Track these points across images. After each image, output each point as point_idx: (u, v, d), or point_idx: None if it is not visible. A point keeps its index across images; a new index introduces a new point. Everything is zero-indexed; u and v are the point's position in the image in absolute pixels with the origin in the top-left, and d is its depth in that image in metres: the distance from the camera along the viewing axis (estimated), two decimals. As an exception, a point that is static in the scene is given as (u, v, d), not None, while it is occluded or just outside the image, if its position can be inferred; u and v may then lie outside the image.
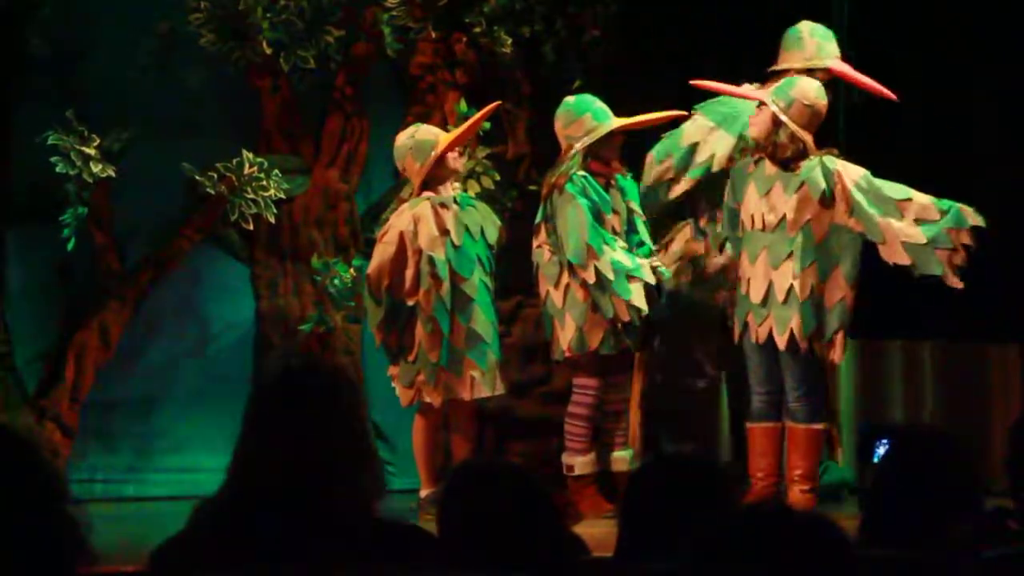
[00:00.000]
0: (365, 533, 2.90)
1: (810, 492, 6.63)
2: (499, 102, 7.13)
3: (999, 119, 7.68)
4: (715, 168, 6.65)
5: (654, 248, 6.89)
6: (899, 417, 7.70)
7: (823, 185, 6.44)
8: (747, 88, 6.82)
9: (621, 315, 6.68)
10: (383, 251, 6.79)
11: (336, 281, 7.54)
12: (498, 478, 3.01)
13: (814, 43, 6.82)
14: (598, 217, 6.70)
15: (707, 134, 6.67)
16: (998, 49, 7.53)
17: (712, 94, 6.87)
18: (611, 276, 6.64)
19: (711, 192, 6.72)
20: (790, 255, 6.50)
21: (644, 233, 6.88)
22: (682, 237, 6.94)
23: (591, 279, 6.64)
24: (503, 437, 7.79)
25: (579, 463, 6.89)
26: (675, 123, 6.99)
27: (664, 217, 6.76)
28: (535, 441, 7.63)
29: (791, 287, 6.49)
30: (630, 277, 6.67)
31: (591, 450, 6.91)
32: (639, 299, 6.67)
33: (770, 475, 6.65)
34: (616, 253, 6.69)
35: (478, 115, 6.96)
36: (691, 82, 6.84)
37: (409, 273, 6.75)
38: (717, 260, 6.94)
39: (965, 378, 7.78)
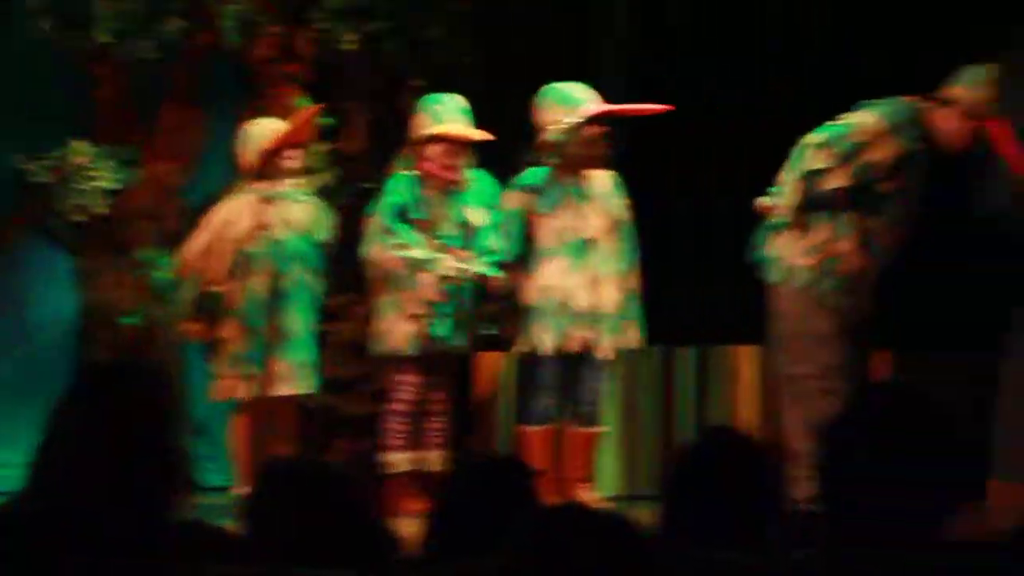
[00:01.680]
0: (165, 535, 2.84)
1: (592, 492, 6.91)
2: (321, 105, 7.12)
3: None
4: (875, 176, 6.60)
5: (505, 260, 6.92)
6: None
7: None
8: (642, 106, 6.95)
9: (413, 309, 6.77)
10: (196, 236, 6.77)
11: (159, 275, 7.46)
12: (306, 476, 2.97)
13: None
14: (401, 216, 6.78)
15: (878, 136, 6.61)
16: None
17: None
18: (404, 272, 6.78)
19: (864, 196, 6.66)
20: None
21: (494, 241, 6.93)
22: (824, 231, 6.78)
23: (378, 275, 6.81)
24: (328, 435, 7.76)
25: (395, 461, 6.92)
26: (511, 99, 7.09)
27: (813, 209, 6.67)
28: (360, 439, 7.61)
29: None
30: (422, 271, 6.76)
31: (408, 448, 6.93)
32: (431, 292, 6.74)
33: (557, 476, 6.86)
34: (411, 249, 6.77)
35: (302, 117, 6.97)
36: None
37: (220, 263, 6.71)
38: None
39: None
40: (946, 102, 6.66)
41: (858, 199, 6.59)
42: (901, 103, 6.65)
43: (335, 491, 2.96)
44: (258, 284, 6.74)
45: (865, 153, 6.53)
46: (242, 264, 6.72)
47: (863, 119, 6.56)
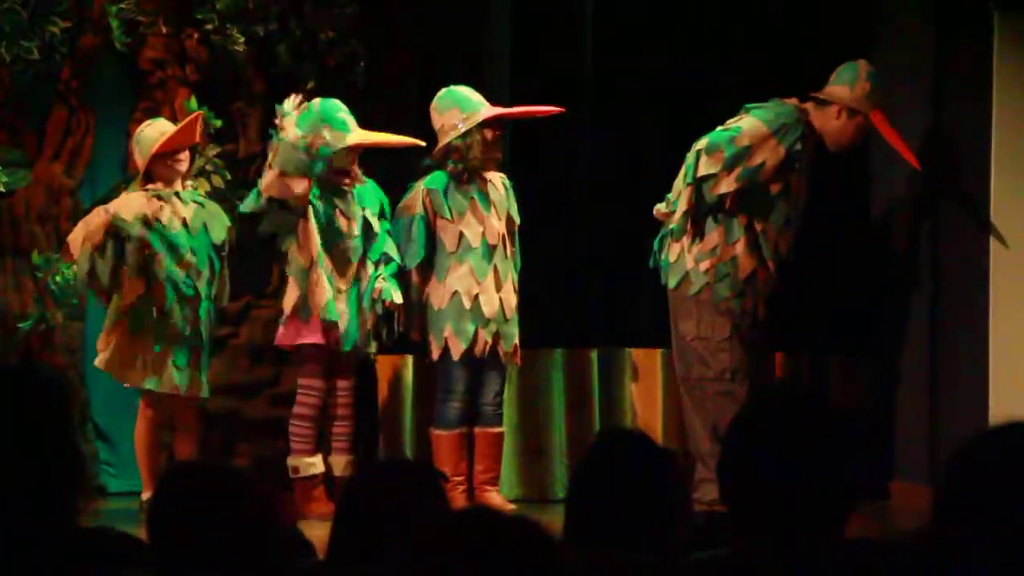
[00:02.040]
0: (69, 542, 2.81)
1: (500, 494, 7.00)
2: (201, 112, 7.08)
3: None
4: (762, 179, 6.62)
5: (405, 267, 6.93)
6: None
7: None
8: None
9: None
10: (84, 223, 6.81)
11: (58, 278, 7.39)
12: (210, 479, 2.95)
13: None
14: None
15: (762, 142, 6.62)
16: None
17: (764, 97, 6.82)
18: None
19: (752, 199, 6.66)
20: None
21: (388, 246, 6.93)
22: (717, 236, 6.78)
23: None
24: (230, 439, 7.71)
25: (303, 464, 6.90)
26: (407, 104, 7.09)
27: (705, 215, 6.68)
28: (263, 443, 7.57)
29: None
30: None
31: (316, 452, 6.92)
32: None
33: (465, 479, 6.95)
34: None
35: (189, 120, 6.93)
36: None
37: (104, 260, 6.68)
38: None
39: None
40: (824, 102, 6.76)
41: (746, 203, 6.66)
42: (782, 106, 6.73)
43: (238, 494, 2.94)
44: (161, 278, 6.70)
45: (750, 157, 6.61)
46: (139, 258, 6.69)
47: (746, 124, 6.64)
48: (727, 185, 6.63)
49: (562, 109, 7.07)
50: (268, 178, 6.80)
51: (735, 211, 6.67)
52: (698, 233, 6.70)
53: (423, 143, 7.00)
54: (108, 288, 6.78)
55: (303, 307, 6.84)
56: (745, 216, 6.68)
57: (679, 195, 6.70)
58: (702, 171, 6.62)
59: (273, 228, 6.88)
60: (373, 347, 7.08)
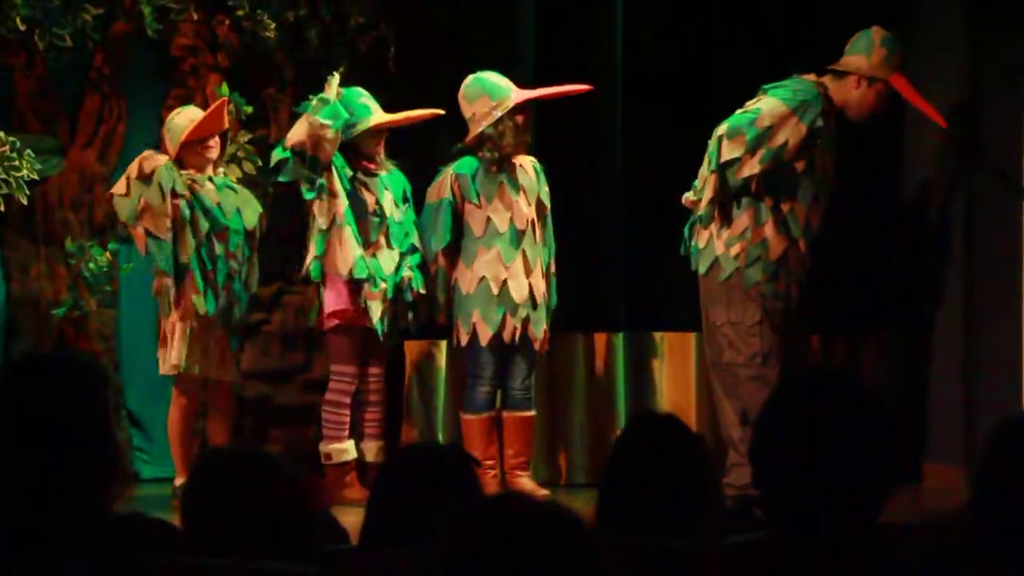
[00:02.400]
0: (103, 528, 2.82)
1: (531, 478, 6.99)
2: (227, 97, 7.10)
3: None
4: (787, 157, 6.59)
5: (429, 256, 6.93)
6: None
7: None
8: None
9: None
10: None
11: (91, 265, 7.41)
12: (243, 465, 2.95)
13: None
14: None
15: (782, 121, 6.60)
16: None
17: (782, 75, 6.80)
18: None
19: (778, 179, 6.64)
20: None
21: (415, 237, 6.96)
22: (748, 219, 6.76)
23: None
24: (262, 425, 7.73)
25: (335, 450, 6.91)
26: (436, 89, 7.08)
27: (732, 200, 6.66)
28: (295, 429, 7.59)
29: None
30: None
31: (348, 438, 6.92)
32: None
33: (496, 463, 6.95)
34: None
35: (217, 106, 6.93)
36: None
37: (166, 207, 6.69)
38: None
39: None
40: (842, 74, 6.73)
41: (773, 183, 6.64)
42: (800, 83, 6.70)
43: (271, 480, 2.94)
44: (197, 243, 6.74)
45: (772, 138, 6.58)
46: (181, 230, 6.72)
47: (766, 105, 6.62)
48: (751, 168, 6.60)
49: (591, 87, 7.06)
50: (294, 129, 6.80)
51: (761, 194, 6.65)
52: (726, 219, 6.67)
53: (442, 111, 6.99)
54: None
55: (330, 266, 6.84)
56: (772, 198, 6.65)
57: (705, 182, 6.68)
58: (725, 156, 6.60)
59: (292, 177, 6.84)
60: (401, 333, 7.08)
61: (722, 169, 6.61)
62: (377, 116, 6.89)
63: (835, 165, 6.77)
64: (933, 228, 7.43)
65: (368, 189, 6.90)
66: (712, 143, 6.65)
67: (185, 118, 6.91)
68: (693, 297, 6.88)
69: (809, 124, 6.60)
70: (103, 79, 7.65)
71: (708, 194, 6.65)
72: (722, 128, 6.63)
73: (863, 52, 6.72)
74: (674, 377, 7.52)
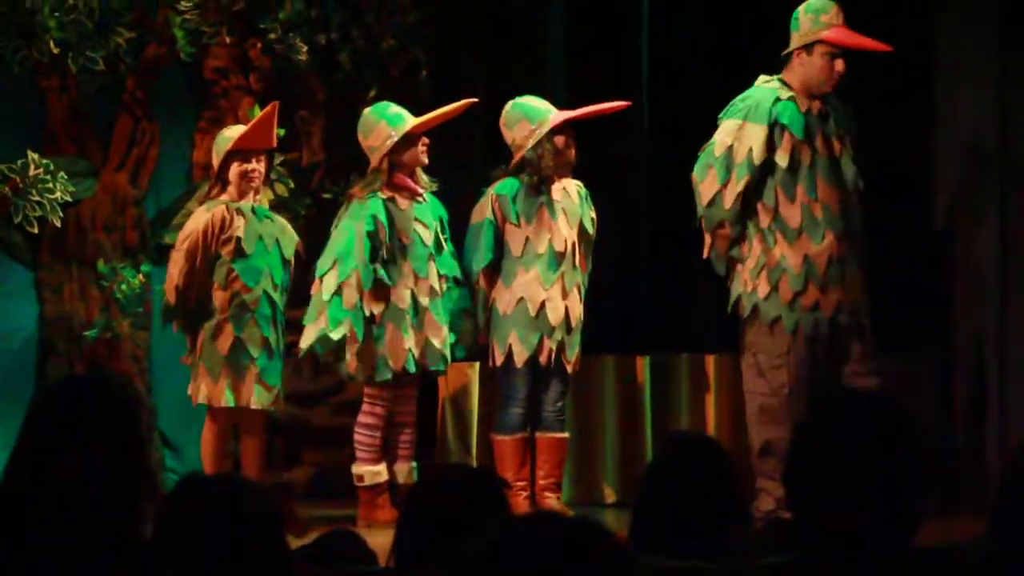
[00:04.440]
0: (136, 548, 2.81)
1: (561, 500, 7.02)
2: (277, 103, 7.04)
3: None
4: (756, 161, 6.59)
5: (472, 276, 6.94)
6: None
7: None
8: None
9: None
10: (178, 260, 6.68)
11: (123, 287, 7.43)
12: (218, 492, 2.84)
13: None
14: (375, 241, 6.78)
15: (737, 133, 6.61)
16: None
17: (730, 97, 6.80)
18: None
19: (768, 184, 6.64)
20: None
21: (454, 268, 6.98)
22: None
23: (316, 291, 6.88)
24: (295, 447, 7.73)
25: (368, 472, 6.90)
26: (471, 112, 7.06)
27: (738, 226, 6.66)
28: (327, 450, 7.59)
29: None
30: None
31: (380, 460, 6.92)
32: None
33: (528, 484, 6.95)
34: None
35: (261, 114, 6.89)
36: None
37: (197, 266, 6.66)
38: None
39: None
40: (786, 58, 6.71)
41: (763, 192, 6.60)
42: (754, 89, 6.67)
43: (247, 507, 2.83)
44: (239, 293, 6.68)
45: (737, 153, 6.56)
46: (224, 273, 6.66)
47: (719, 132, 6.62)
48: (734, 190, 6.58)
49: (628, 103, 7.06)
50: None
51: (755, 207, 6.59)
52: (742, 253, 6.65)
53: (475, 99, 7.00)
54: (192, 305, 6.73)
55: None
56: (770, 206, 6.59)
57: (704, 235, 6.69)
58: (706, 198, 6.59)
59: None
60: (442, 366, 7.05)
61: (709, 210, 6.60)
62: (412, 121, 6.87)
63: (830, 152, 6.67)
64: (965, 245, 7.39)
65: (403, 225, 6.87)
66: (694, 190, 6.63)
67: (233, 131, 6.83)
68: (720, 319, 6.86)
69: (765, 122, 6.57)
70: (136, 102, 7.68)
71: (711, 244, 6.64)
72: (694, 175, 6.64)
73: (794, 30, 6.72)
74: (698, 400, 7.51)
